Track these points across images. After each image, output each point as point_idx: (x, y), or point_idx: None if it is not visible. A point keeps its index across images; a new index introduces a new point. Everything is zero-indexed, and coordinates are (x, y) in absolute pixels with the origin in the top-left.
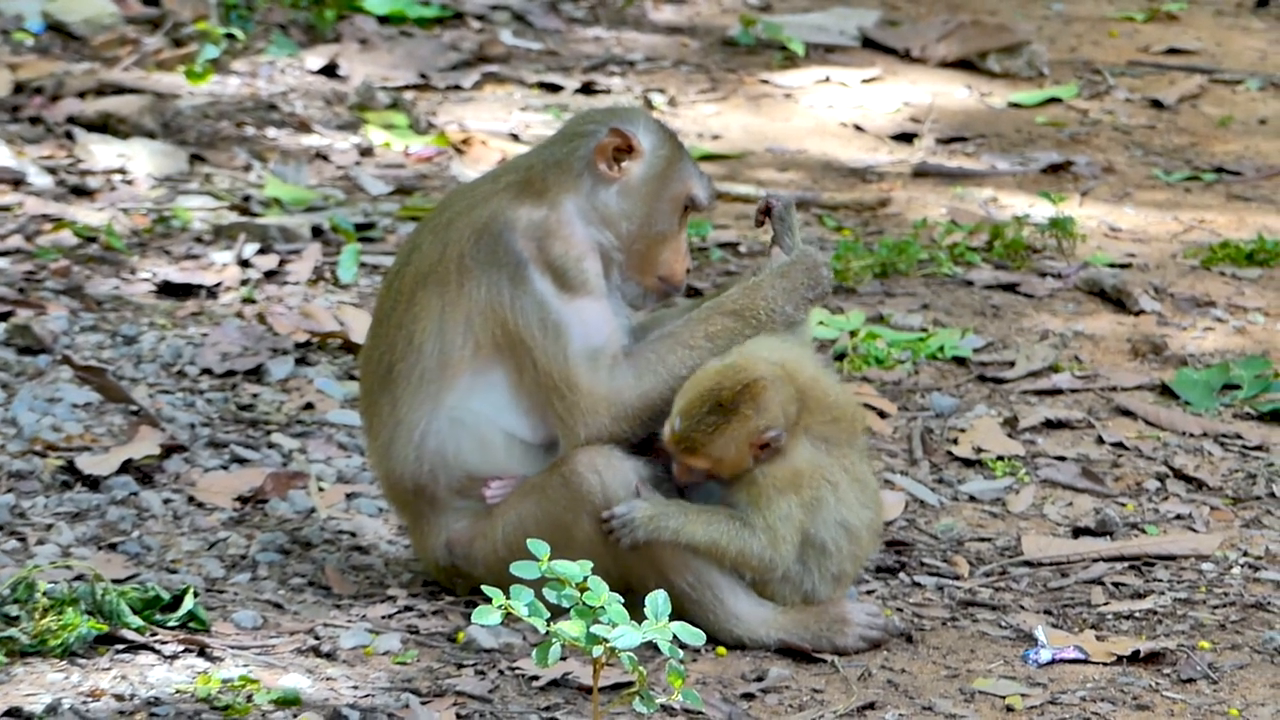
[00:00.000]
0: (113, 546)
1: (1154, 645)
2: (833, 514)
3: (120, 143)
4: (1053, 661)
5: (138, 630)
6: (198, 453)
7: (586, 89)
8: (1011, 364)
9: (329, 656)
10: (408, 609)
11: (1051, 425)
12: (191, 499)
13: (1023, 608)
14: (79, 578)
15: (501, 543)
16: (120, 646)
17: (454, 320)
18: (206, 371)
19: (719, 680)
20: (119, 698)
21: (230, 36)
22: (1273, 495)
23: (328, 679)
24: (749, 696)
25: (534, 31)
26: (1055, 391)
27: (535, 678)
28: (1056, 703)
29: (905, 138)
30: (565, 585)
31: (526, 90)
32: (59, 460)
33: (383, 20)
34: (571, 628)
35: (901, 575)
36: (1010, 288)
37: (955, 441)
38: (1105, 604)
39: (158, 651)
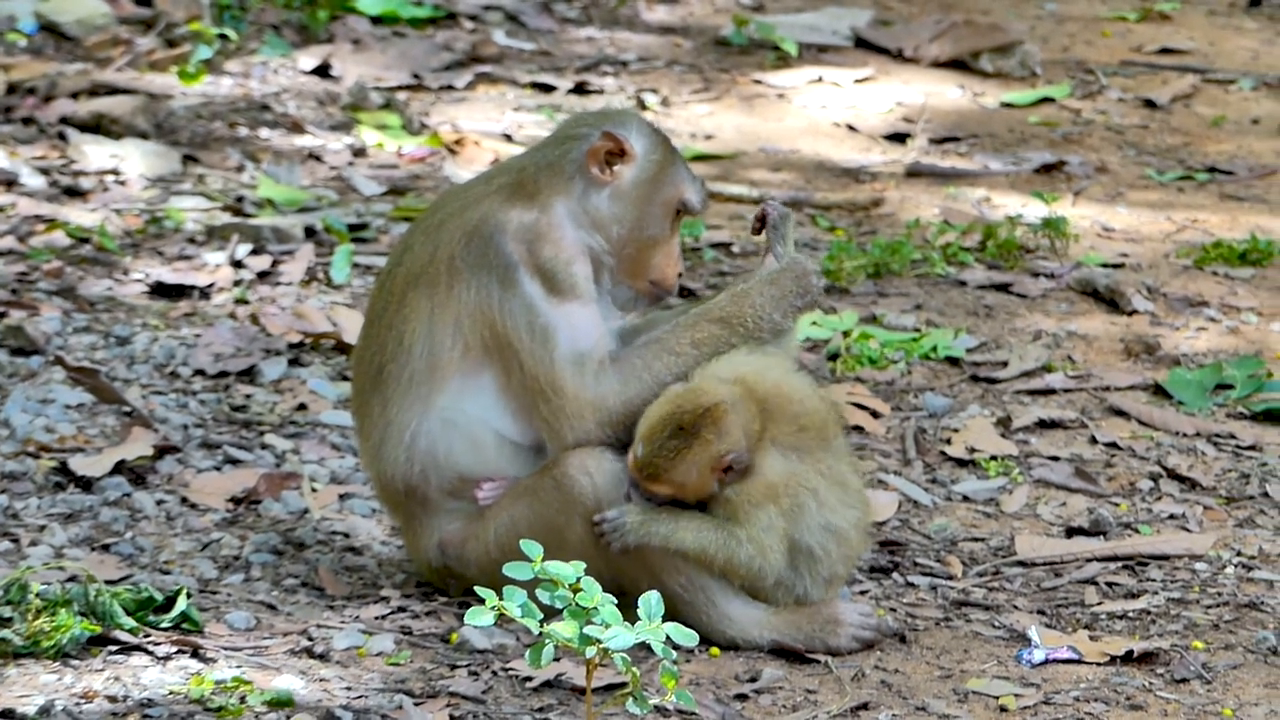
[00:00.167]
0: (106, 547)
1: (1147, 645)
2: (815, 519)
3: (113, 143)
4: (1046, 661)
5: (131, 631)
6: (191, 454)
7: (579, 89)
8: (1005, 364)
9: (322, 657)
10: (401, 610)
11: (1045, 425)
12: (184, 500)
13: (1016, 608)
14: (72, 579)
15: (494, 544)
16: (113, 648)
17: (443, 322)
18: (199, 372)
19: (712, 681)
20: (112, 699)
21: (223, 37)
22: (1266, 495)
23: (321, 680)
24: (742, 697)
25: (527, 32)
26: (1048, 391)
27: (529, 679)
28: (1050, 703)
29: (898, 138)
30: (558, 586)
31: (519, 91)
32: (52, 461)
33: (375, 21)
34: (565, 629)
35: (895, 575)
36: (1003, 288)
37: (948, 441)
38: (1099, 604)
39: (151, 653)
